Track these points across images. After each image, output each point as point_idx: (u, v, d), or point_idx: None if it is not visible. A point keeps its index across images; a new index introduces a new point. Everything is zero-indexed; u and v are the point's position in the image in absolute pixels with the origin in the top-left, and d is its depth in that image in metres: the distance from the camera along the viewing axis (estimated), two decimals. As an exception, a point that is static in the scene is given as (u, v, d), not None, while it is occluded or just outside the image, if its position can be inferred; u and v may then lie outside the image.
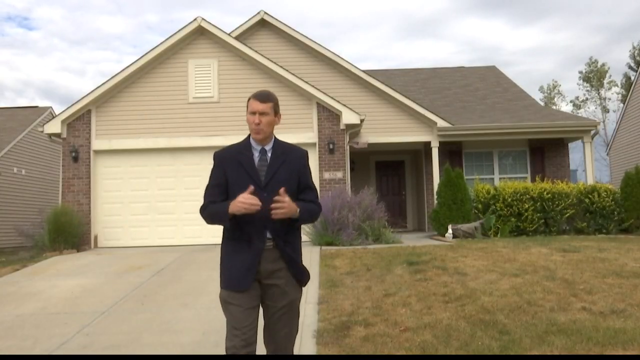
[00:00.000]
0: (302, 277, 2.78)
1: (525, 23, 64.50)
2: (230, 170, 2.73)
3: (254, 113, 2.71)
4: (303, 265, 2.80)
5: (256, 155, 2.75)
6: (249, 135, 2.79)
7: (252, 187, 2.56)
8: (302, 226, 2.85)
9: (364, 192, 10.91)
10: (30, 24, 76.69)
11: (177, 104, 12.12)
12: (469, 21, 67.04)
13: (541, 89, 41.31)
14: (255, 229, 2.63)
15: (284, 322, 2.73)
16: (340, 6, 69.85)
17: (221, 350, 2.79)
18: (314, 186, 2.87)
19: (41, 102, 59.55)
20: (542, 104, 33.94)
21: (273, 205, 2.55)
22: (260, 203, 2.53)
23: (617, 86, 36.04)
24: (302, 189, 2.79)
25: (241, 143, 2.82)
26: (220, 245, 2.81)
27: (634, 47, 34.57)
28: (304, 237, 11.13)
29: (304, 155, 2.87)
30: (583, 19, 59.88)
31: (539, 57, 61.17)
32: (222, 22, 76.04)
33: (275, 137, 2.81)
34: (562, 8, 62.05)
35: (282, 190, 2.55)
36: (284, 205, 2.57)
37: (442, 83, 17.84)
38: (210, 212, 2.69)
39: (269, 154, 2.76)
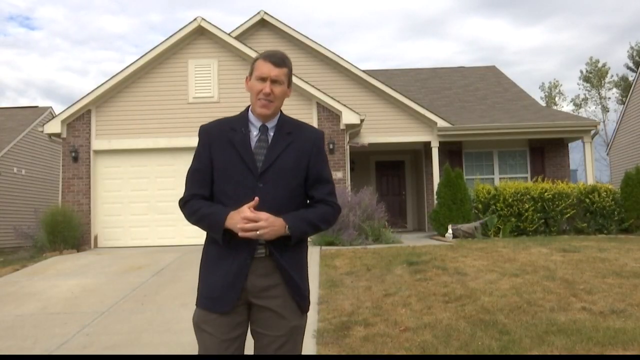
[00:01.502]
0: (300, 298, 2.07)
1: (528, 23, 64.62)
2: (218, 150, 2.08)
3: (263, 79, 2.05)
4: (304, 285, 2.11)
5: (254, 133, 2.10)
6: (248, 108, 2.15)
7: (257, 200, 1.95)
8: None
9: (363, 191, 10.90)
10: (32, 24, 76.87)
11: (177, 104, 12.13)
12: (472, 21, 67.21)
13: (542, 87, 41.37)
14: None
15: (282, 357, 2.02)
16: (343, 6, 70.00)
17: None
18: (331, 178, 2.18)
19: (43, 102, 59.81)
20: (543, 103, 33.95)
21: (240, 227, 1.92)
22: (265, 225, 1.93)
23: (617, 86, 36.06)
24: (313, 182, 2.11)
25: (236, 117, 2.17)
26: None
27: (632, 48, 34.59)
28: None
29: (320, 137, 2.18)
30: (587, 19, 59.96)
31: (543, 57, 61.32)
32: (226, 22, 76.24)
33: (281, 112, 2.15)
34: (566, 7, 62.16)
35: (255, 201, 1.94)
36: (259, 225, 1.92)
37: (442, 83, 17.84)
38: (200, 215, 2.06)
39: (271, 133, 2.10)
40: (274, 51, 2.13)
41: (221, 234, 1.99)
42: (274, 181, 2.03)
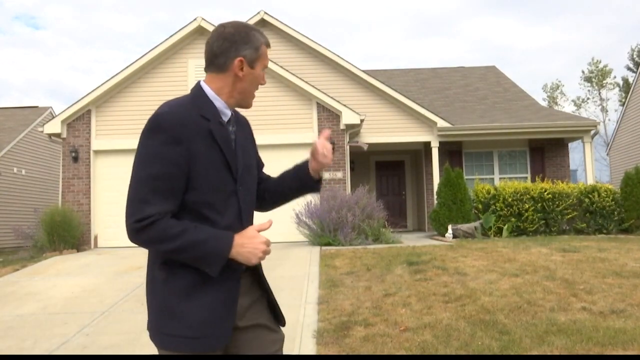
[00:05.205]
0: (279, 312, 1.80)
1: (536, 22, 64.73)
2: (201, 148, 1.57)
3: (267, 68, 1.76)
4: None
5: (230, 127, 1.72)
6: (200, 88, 1.66)
7: (271, 222, 1.65)
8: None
9: (360, 190, 10.82)
10: (38, 23, 77.02)
11: (177, 104, 12.11)
12: (480, 20, 67.39)
13: (544, 87, 41.38)
14: None
15: None
16: (351, 5, 70.14)
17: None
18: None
19: (48, 102, 59.90)
20: (545, 103, 33.95)
21: (264, 252, 1.60)
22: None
23: (618, 87, 36.11)
24: (260, 169, 1.90)
25: (197, 100, 1.64)
26: (154, 275, 1.79)
27: (632, 49, 34.66)
28: (301, 238, 11.12)
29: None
30: (595, 19, 59.98)
31: (551, 56, 61.38)
32: (230, 22, 76.19)
33: None
34: (574, 7, 62.22)
35: (269, 222, 1.64)
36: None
37: (442, 83, 17.84)
38: (187, 242, 1.53)
39: (233, 126, 1.74)
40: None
41: (219, 266, 1.56)
42: (248, 182, 1.71)
